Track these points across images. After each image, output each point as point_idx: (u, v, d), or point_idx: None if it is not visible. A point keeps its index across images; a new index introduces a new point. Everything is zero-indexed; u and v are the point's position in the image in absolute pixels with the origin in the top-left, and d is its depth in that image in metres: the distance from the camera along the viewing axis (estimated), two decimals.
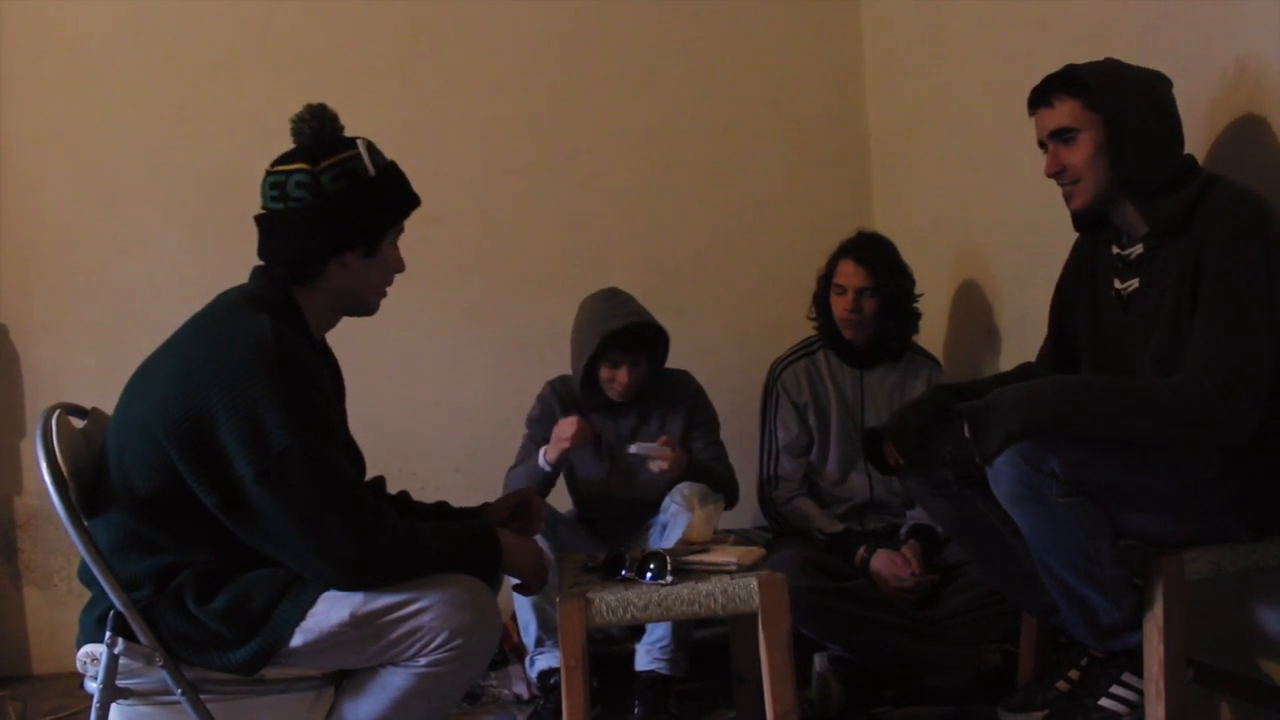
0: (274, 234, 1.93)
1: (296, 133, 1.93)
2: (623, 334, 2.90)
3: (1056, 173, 2.16)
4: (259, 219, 1.95)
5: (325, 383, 1.96)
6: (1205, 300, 1.98)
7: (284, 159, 1.93)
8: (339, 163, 1.90)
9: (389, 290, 2.05)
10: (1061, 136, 2.13)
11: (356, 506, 1.79)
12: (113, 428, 1.90)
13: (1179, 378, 1.95)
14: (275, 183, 1.91)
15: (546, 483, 2.93)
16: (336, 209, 1.89)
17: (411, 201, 2.02)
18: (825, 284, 3.10)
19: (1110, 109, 2.07)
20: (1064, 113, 2.12)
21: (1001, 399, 1.97)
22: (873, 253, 3.06)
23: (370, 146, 1.95)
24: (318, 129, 1.92)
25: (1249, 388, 1.91)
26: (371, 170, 1.92)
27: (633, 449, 2.80)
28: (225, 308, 1.92)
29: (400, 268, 2.03)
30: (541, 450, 2.90)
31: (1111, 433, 1.95)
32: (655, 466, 2.79)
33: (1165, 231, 2.07)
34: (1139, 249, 2.13)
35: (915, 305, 3.12)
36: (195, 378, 1.78)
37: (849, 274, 3.03)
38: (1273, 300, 1.95)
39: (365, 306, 2.03)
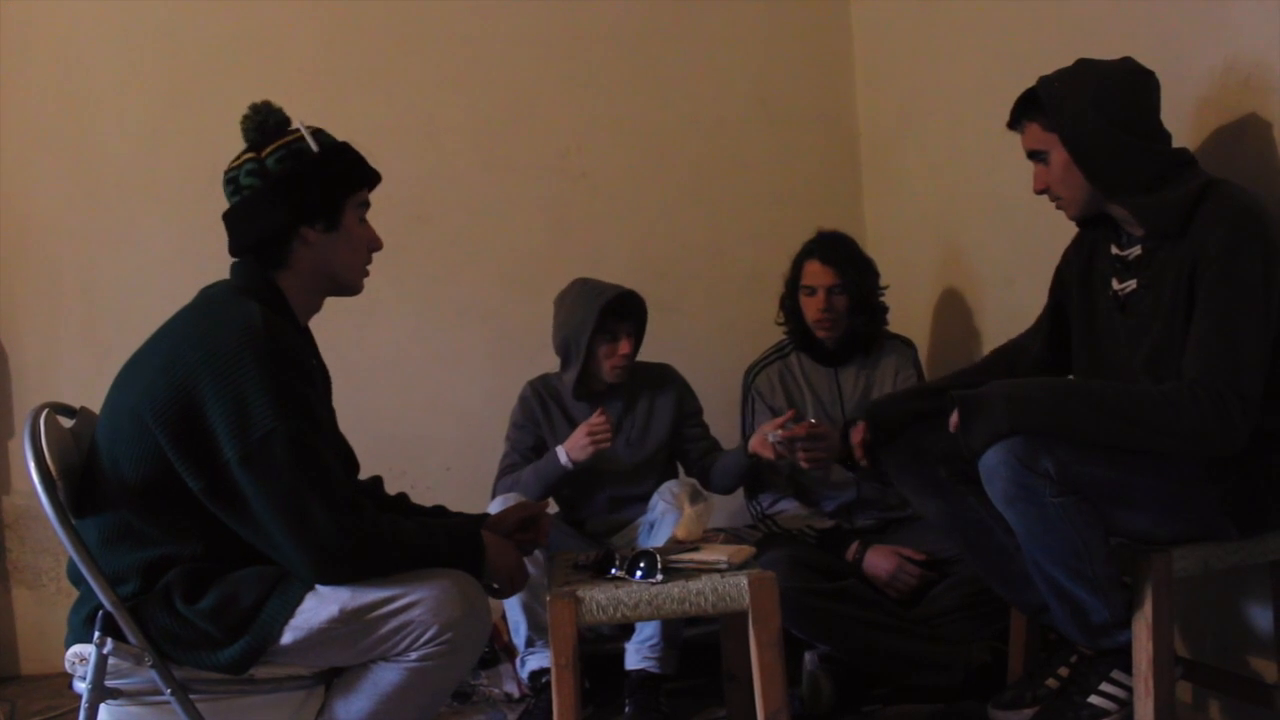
0: (236, 225, 1.99)
1: (244, 132, 2.00)
2: (616, 303, 2.95)
3: (1041, 191, 2.20)
4: (224, 216, 2.00)
5: (313, 372, 1.98)
6: (1202, 309, 1.97)
7: (236, 157, 2.00)
8: (282, 145, 1.96)
9: (370, 270, 2.08)
10: (1037, 157, 2.17)
11: (338, 496, 1.79)
12: (102, 418, 1.91)
13: (1173, 387, 1.95)
14: (230, 179, 1.98)
15: (563, 483, 2.95)
16: (285, 186, 1.94)
17: (365, 175, 2.04)
18: (793, 287, 3.11)
19: (1064, 128, 2.08)
20: (1030, 136, 2.17)
21: (994, 395, 1.99)
22: (837, 251, 3.07)
23: (317, 130, 2.00)
24: (260, 122, 1.99)
25: (1243, 401, 1.91)
26: (315, 147, 1.96)
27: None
28: (213, 298, 1.95)
29: (376, 245, 2.06)
30: (559, 450, 2.91)
31: (1102, 438, 1.96)
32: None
33: (1162, 234, 2.06)
34: (1137, 250, 2.13)
35: (882, 299, 3.13)
36: (184, 362, 1.80)
37: (816, 274, 3.04)
38: (1269, 312, 1.95)
39: (344, 284, 2.04)
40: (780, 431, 2.73)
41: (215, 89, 3.71)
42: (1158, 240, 2.08)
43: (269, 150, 1.95)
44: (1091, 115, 2.05)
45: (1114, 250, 2.19)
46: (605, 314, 2.95)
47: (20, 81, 3.65)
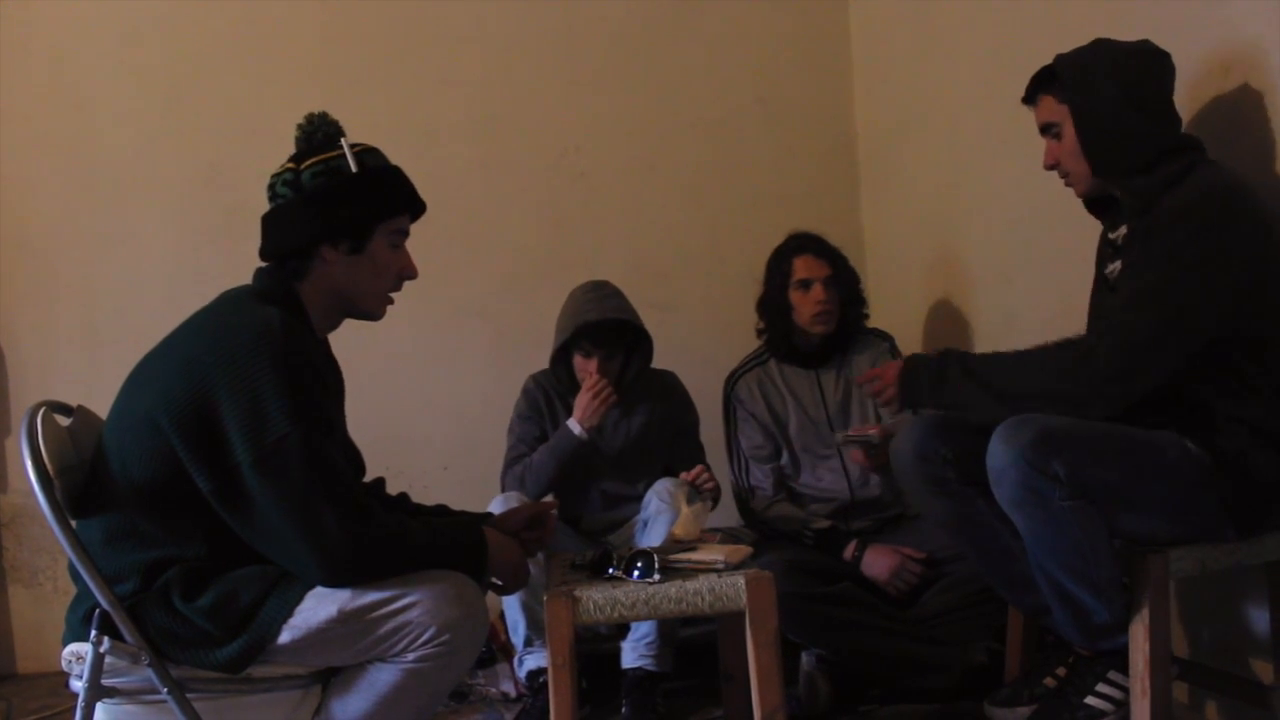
0: (265, 231, 1.99)
1: (296, 140, 2.00)
2: (596, 327, 2.91)
3: (1051, 166, 2.21)
4: (261, 220, 2.00)
5: (329, 379, 1.99)
6: (1125, 280, 2.03)
7: (281, 165, 1.99)
8: (321, 160, 1.95)
9: (394, 296, 2.06)
10: (1049, 132, 2.18)
11: (349, 500, 1.79)
12: (112, 419, 1.91)
13: (1055, 351, 2.05)
14: (270, 184, 1.98)
15: (577, 455, 2.94)
16: (315, 202, 1.93)
17: (403, 202, 2.02)
18: (780, 286, 3.08)
19: (1075, 100, 2.11)
20: (1045, 109, 2.18)
21: (928, 363, 2.18)
22: (825, 244, 3.09)
23: (364, 149, 1.98)
24: (310, 133, 1.98)
25: (1126, 372, 1.95)
26: (354, 167, 1.94)
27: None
28: (231, 301, 1.94)
29: (409, 273, 2.04)
30: (569, 422, 2.93)
31: (997, 395, 2.06)
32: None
33: (1138, 211, 2.08)
34: (1124, 231, 2.15)
35: (862, 291, 3.15)
36: (201, 363, 1.79)
37: (811, 268, 3.04)
38: (1208, 294, 1.95)
39: (361, 308, 2.03)
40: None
41: (213, 88, 3.72)
42: (1136, 218, 2.09)
43: (308, 164, 1.94)
44: (1105, 87, 2.07)
45: (1109, 235, 2.22)
46: (583, 331, 2.93)
47: (18, 80, 3.65)
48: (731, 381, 3.15)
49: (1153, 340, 1.96)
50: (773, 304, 3.11)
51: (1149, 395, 1.99)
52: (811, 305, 3.03)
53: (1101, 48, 2.13)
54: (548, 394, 3.07)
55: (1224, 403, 2.00)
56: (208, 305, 1.97)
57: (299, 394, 1.78)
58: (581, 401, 2.92)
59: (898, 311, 3.65)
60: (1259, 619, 2.27)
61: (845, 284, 3.06)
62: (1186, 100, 2.29)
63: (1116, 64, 2.08)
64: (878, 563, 2.80)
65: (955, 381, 2.12)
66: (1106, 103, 2.07)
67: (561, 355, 3.02)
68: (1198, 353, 1.98)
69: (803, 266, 3.05)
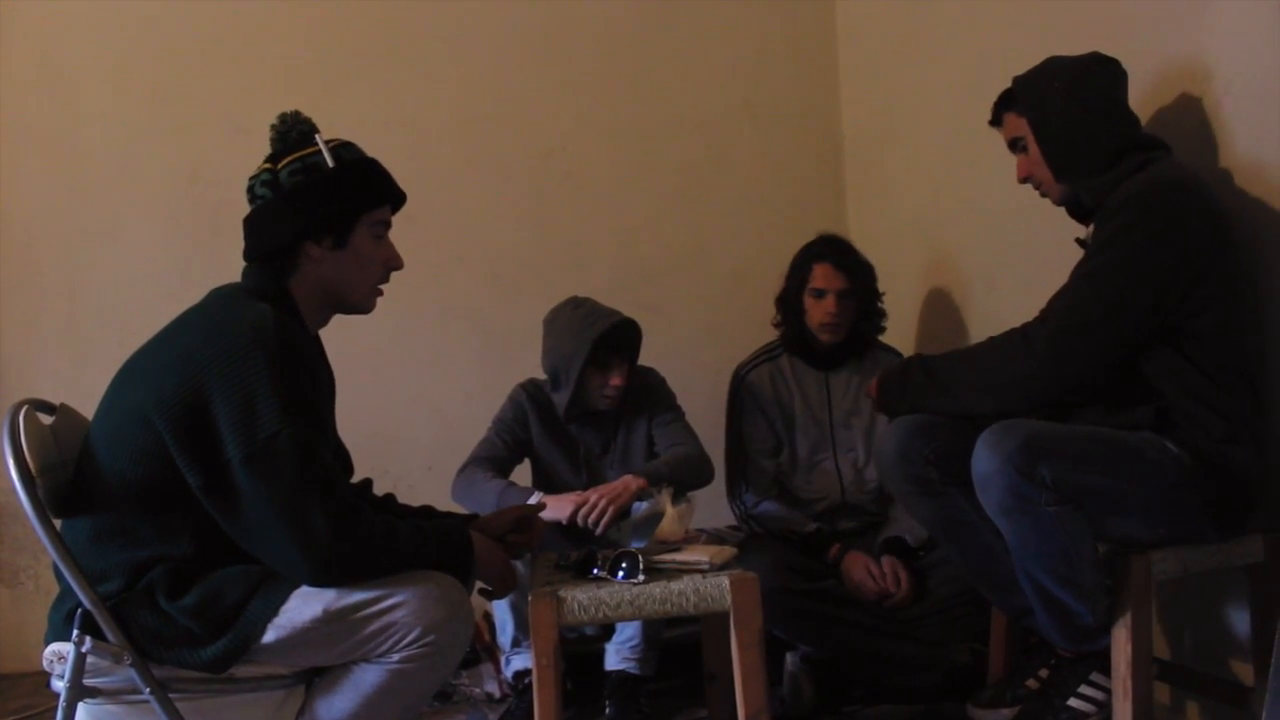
0: (248, 233, 1.98)
1: (270, 140, 2.00)
2: (610, 335, 2.86)
3: (1024, 179, 2.29)
4: (243, 222, 2.00)
5: (320, 377, 1.99)
6: (1078, 263, 2.10)
7: (258, 167, 1.99)
8: (297, 159, 1.95)
9: (384, 288, 2.07)
10: (1017, 146, 2.28)
11: (338, 500, 1.79)
12: (99, 417, 1.90)
13: (1008, 333, 2.12)
14: (248, 187, 1.98)
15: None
16: (294, 200, 1.93)
17: (384, 194, 2.03)
18: (797, 287, 3.08)
19: (1030, 109, 2.21)
20: (1009, 126, 2.29)
21: (895, 372, 2.31)
22: (848, 256, 3.06)
23: (340, 144, 1.99)
24: (284, 132, 1.98)
25: (1057, 340, 2.03)
26: (330, 162, 1.95)
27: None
28: (224, 298, 1.94)
29: (395, 264, 2.05)
30: (537, 494, 2.72)
31: (954, 391, 2.18)
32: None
33: (1091, 210, 2.17)
34: (1090, 231, 2.20)
35: (881, 304, 3.13)
36: (194, 360, 1.78)
37: (828, 277, 3.02)
38: (1134, 274, 2.02)
39: (350, 302, 2.03)
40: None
41: (199, 87, 3.70)
42: (1093, 217, 2.15)
43: (285, 162, 1.94)
44: (1056, 94, 2.17)
45: (1079, 236, 2.27)
46: (597, 345, 2.84)
47: (3, 78, 3.63)
48: (742, 374, 3.14)
49: (1088, 324, 2.03)
50: (789, 303, 3.10)
51: (1090, 378, 2.07)
52: (821, 314, 3.02)
53: (1052, 63, 2.23)
54: (538, 408, 2.99)
55: (1188, 402, 2.03)
56: (199, 303, 1.96)
57: (292, 392, 1.77)
58: (566, 499, 2.68)
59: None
60: (1239, 620, 2.28)
61: (862, 297, 3.04)
62: (1162, 105, 2.32)
63: (1065, 74, 2.18)
64: (857, 569, 2.80)
65: (918, 384, 2.23)
66: (1059, 110, 2.17)
67: (566, 385, 2.92)
68: (1140, 339, 2.04)
69: (821, 275, 3.02)
